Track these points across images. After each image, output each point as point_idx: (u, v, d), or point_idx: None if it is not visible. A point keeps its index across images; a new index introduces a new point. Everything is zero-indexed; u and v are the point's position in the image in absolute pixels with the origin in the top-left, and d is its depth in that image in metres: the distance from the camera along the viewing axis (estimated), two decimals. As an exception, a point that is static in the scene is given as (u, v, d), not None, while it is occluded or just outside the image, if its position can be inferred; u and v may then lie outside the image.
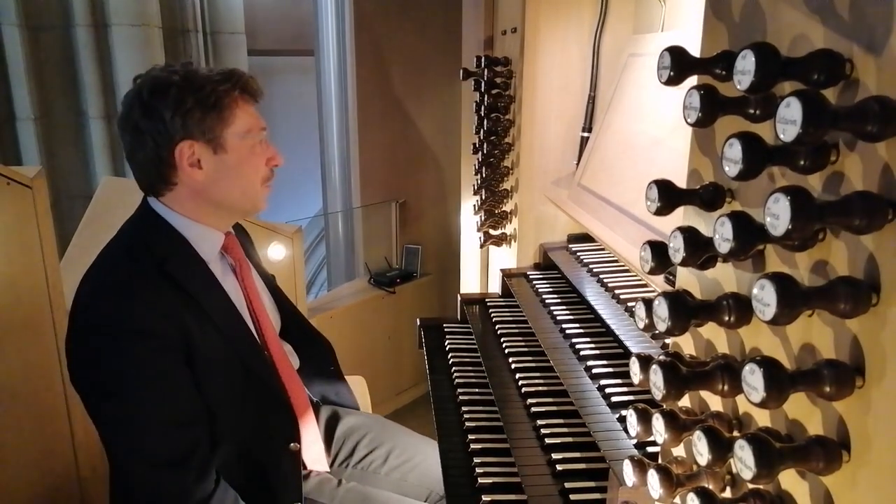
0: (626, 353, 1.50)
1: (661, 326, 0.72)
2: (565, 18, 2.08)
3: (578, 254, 2.05)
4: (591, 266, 1.92)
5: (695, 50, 0.95)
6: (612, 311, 1.64)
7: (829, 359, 0.65)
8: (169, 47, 4.02)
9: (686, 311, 0.70)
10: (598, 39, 2.07)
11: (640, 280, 1.74)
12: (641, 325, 0.87)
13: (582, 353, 1.61)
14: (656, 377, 0.72)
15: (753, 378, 0.62)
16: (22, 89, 3.71)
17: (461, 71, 2.36)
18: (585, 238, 2.14)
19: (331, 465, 1.85)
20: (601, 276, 1.82)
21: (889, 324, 0.60)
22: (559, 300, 1.93)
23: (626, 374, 1.49)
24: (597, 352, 1.61)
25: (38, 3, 3.72)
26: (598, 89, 2.11)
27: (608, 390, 1.43)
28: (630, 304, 1.62)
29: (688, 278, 0.96)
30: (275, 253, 2.76)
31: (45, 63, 3.82)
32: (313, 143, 4.41)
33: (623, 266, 1.85)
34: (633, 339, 1.48)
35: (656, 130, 1.65)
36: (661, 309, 0.71)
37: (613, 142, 1.86)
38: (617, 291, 1.70)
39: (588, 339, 1.67)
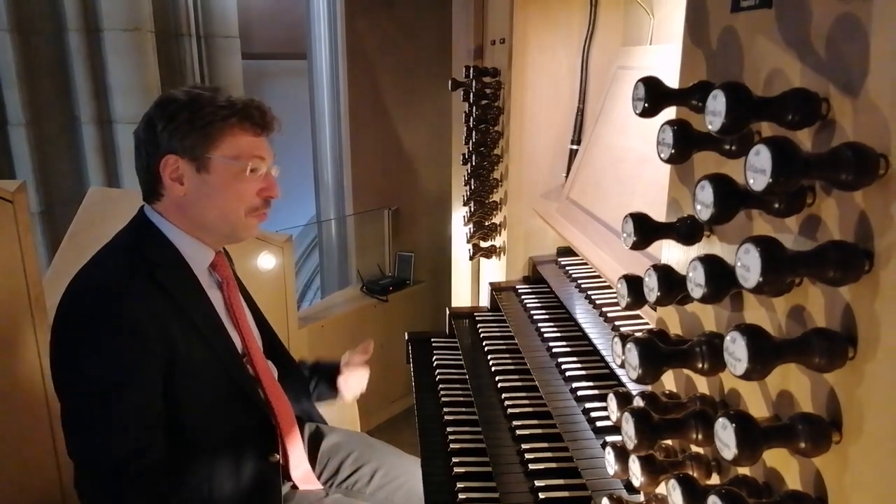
0: (613, 374, 1.48)
1: (632, 374, 0.69)
2: (554, 30, 2.05)
3: (567, 268, 2.02)
4: (579, 282, 1.89)
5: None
6: (599, 330, 1.61)
7: (805, 412, 0.62)
8: (162, 51, 3.99)
9: (657, 359, 0.67)
10: (587, 51, 2.04)
11: (628, 298, 1.71)
12: (619, 361, 0.84)
13: (568, 373, 1.58)
14: (628, 426, 0.69)
15: (725, 434, 0.59)
16: (14, 94, 3.68)
17: (450, 81, 2.33)
18: (574, 251, 2.11)
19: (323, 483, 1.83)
20: (589, 293, 1.79)
21: (866, 379, 0.58)
22: (547, 316, 1.90)
23: (612, 397, 1.48)
24: (583, 372, 1.58)
25: (29, 7, 3.69)
26: (586, 101, 2.08)
27: (593, 414, 1.40)
28: (617, 322, 1.59)
29: (668, 311, 0.93)
30: (265, 262, 2.73)
31: (36, 68, 3.79)
32: (309, 146, 4.38)
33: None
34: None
35: (644, 146, 1.63)
36: (632, 356, 0.68)
37: (602, 156, 1.83)
38: (605, 309, 1.66)
39: (575, 359, 1.64)
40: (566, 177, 2.08)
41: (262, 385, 1.64)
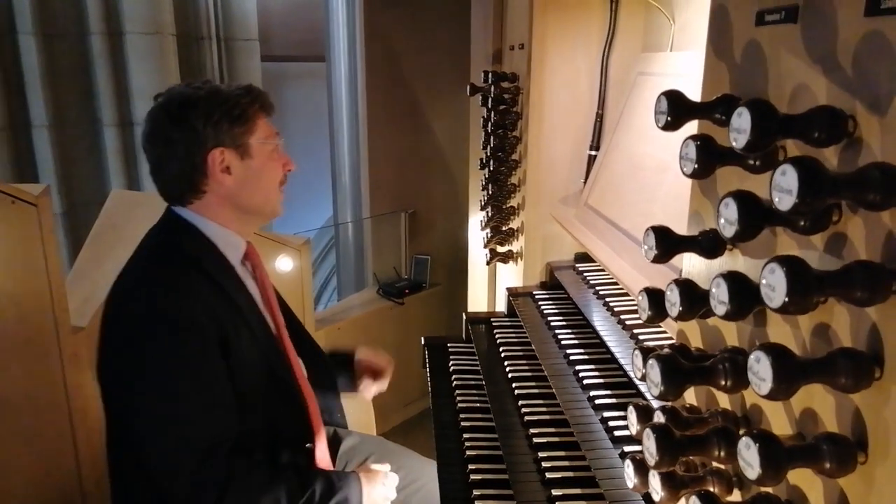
0: (631, 383, 1.47)
1: (654, 391, 0.69)
2: (573, 35, 2.05)
3: (585, 274, 2.01)
4: (597, 288, 1.88)
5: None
6: (617, 339, 1.60)
7: (831, 432, 0.61)
8: (183, 55, 4.03)
9: (679, 377, 0.67)
10: (607, 57, 2.04)
11: (646, 305, 1.70)
12: (639, 374, 0.84)
13: (585, 381, 1.57)
14: (649, 442, 0.69)
15: (749, 454, 0.59)
16: (37, 97, 3.73)
17: (468, 86, 2.33)
18: (593, 257, 2.10)
19: None
20: (608, 300, 1.78)
21: (893, 400, 0.57)
22: (564, 323, 1.89)
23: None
24: (601, 380, 1.57)
25: (53, 11, 3.74)
26: (605, 107, 2.07)
27: (611, 423, 1.40)
28: (636, 330, 1.58)
29: (689, 324, 0.92)
30: (282, 265, 2.74)
31: (59, 71, 3.84)
32: (326, 148, 4.39)
33: (630, 289, 1.82)
34: (638, 369, 1.45)
35: (664, 154, 1.62)
36: (654, 373, 0.68)
37: (621, 163, 1.82)
38: (623, 317, 1.66)
39: (592, 367, 1.63)
40: (584, 183, 2.07)
41: (294, 371, 1.68)
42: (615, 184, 1.82)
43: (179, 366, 1.42)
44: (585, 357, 1.69)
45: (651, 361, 0.68)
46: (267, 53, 4.86)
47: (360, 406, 2.17)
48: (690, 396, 0.94)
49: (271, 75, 5.32)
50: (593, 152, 2.08)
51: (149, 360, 1.42)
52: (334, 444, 1.90)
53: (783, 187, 0.54)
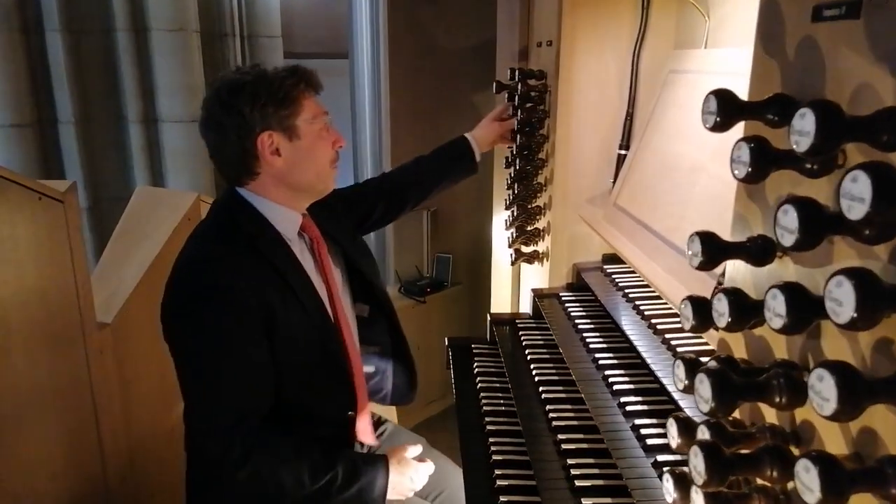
0: (663, 389, 1.43)
1: (704, 407, 0.66)
2: (603, 32, 2.00)
3: (614, 276, 1.97)
4: (626, 291, 1.84)
5: (743, 69, 0.88)
6: (648, 343, 1.57)
7: (894, 455, 0.58)
8: (206, 51, 4.04)
9: (731, 393, 0.64)
10: (637, 54, 1.99)
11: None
12: (681, 386, 0.81)
13: (615, 387, 1.54)
14: (697, 460, 0.65)
15: (808, 477, 0.56)
16: (63, 93, 3.77)
17: (494, 83, 2.30)
18: (621, 259, 2.06)
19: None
20: (637, 303, 1.74)
21: (967, 424, 0.53)
22: (592, 326, 1.85)
23: (663, 413, 1.43)
24: (631, 386, 1.53)
25: (79, 8, 3.77)
26: (636, 106, 2.03)
27: (643, 431, 1.36)
28: (668, 335, 1.54)
29: (733, 335, 0.89)
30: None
31: (86, 67, 3.86)
32: (349, 144, 4.38)
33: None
34: (671, 374, 1.41)
35: (697, 153, 1.57)
36: (704, 389, 0.64)
37: (652, 162, 1.78)
38: (654, 321, 1.62)
39: (622, 372, 1.59)
40: (613, 183, 2.03)
41: (345, 345, 1.73)
42: (646, 184, 1.78)
43: (219, 339, 1.51)
44: (615, 361, 1.65)
45: (701, 376, 0.65)
46: (290, 50, 4.86)
47: (383, 407, 2.15)
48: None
49: (295, 72, 5.33)
50: (623, 151, 2.04)
51: (194, 330, 1.53)
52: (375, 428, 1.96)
53: (854, 195, 0.50)
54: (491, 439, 1.67)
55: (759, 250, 0.77)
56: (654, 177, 1.75)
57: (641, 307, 1.71)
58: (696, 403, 0.67)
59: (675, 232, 1.54)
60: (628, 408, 1.45)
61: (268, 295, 1.53)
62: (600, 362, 1.65)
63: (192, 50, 3.93)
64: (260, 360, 1.54)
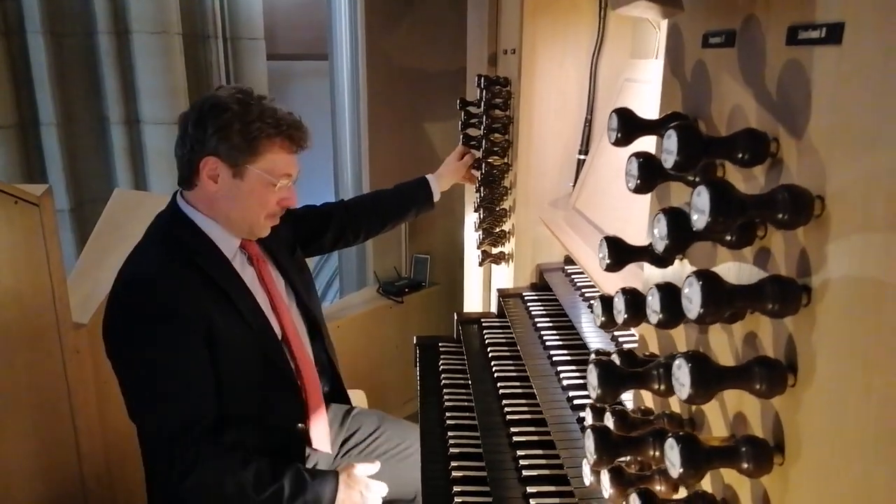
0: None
1: (592, 394, 0.73)
2: (563, 41, 2.08)
3: (573, 276, 2.05)
4: (583, 290, 1.92)
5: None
6: (601, 340, 1.64)
7: (750, 435, 0.65)
8: (189, 53, 4.09)
9: (615, 380, 0.71)
10: (595, 63, 2.07)
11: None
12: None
13: (566, 381, 1.61)
14: (589, 442, 0.73)
15: (672, 453, 0.63)
16: (45, 95, 3.81)
17: (458, 101, 2.39)
18: (581, 260, 2.14)
19: (339, 448, 1.99)
20: (592, 302, 1.81)
21: (804, 406, 0.61)
22: (550, 324, 1.93)
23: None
24: (581, 381, 1.61)
25: (61, 10, 3.81)
26: (594, 112, 2.11)
27: (587, 423, 1.43)
28: (617, 333, 1.61)
29: (647, 329, 0.97)
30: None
31: (68, 69, 3.91)
32: (330, 146, 4.43)
33: (614, 292, 1.85)
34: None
35: (645, 160, 1.65)
36: (592, 377, 0.72)
37: (606, 167, 1.86)
38: (604, 319, 1.69)
39: (573, 368, 1.67)
40: (573, 186, 2.11)
41: (293, 354, 1.77)
42: (600, 188, 1.86)
43: (161, 355, 1.55)
44: (568, 358, 1.73)
45: (590, 367, 0.73)
46: (273, 52, 4.92)
47: (355, 401, 2.22)
48: (648, 400, 0.98)
49: (277, 74, 5.38)
50: (582, 156, 2.12)
51: (138, 347, 1.57)
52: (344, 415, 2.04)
53: (699, 207, 0.58)
54: (449, 433, 1.74)
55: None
56: (607, 181, 1.82)
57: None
58: (589, 392, 0.75)
59: (621, 234, 1.60)
60: (576, 401, 1.52)
61: (208, 309, 1.57)
62: (554, 359, 1.73)
63: (175, 52, 3.98)
64: (201, 372, 1.57)
